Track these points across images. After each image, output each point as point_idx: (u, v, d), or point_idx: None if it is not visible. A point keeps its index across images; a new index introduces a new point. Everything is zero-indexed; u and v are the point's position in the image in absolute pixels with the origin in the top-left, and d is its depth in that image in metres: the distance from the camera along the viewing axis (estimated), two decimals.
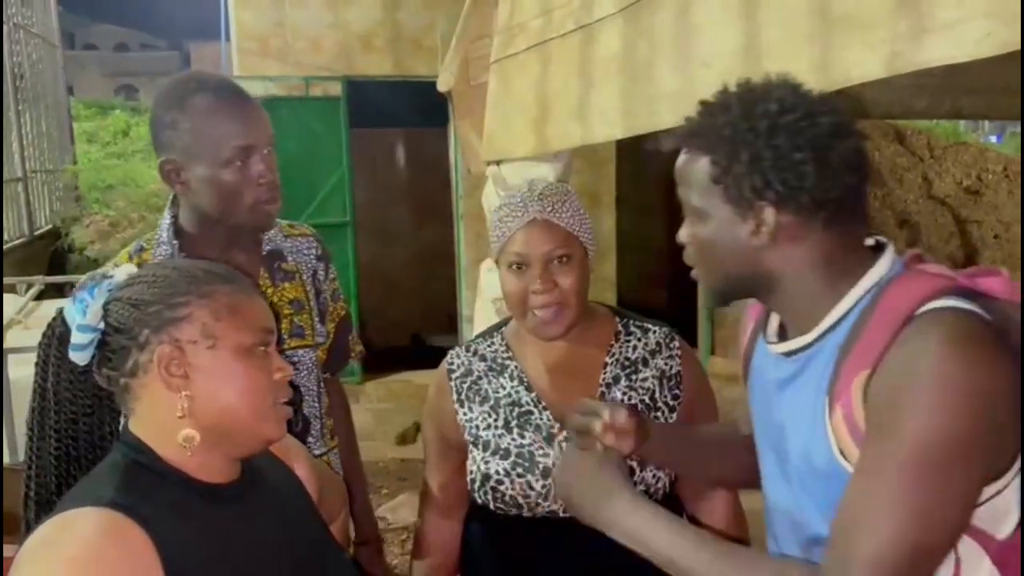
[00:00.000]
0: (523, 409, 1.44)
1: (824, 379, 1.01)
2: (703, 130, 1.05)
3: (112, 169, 10.16)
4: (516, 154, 2.67)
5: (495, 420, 1.45)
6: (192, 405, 0.97)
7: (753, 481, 1.30)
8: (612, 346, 1.48)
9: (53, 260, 8.13)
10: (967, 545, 0.97)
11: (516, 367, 1.47)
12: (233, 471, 1.04)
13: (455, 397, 1.48)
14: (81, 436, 1.04)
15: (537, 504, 1.40)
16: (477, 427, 1.46)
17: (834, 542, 0.95)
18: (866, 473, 0.93)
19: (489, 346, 1.51)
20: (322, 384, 1.70)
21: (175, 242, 1.54)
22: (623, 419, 1.19)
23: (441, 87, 3.16)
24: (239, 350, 0.99)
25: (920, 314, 0.93)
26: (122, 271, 1.05)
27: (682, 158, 1.09)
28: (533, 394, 1.44)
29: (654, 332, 1.51)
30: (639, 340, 1.49)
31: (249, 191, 1.47)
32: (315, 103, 6.14)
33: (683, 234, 1.12)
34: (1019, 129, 13.30)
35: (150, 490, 0.95)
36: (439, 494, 1.54)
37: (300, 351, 1.64)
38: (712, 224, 1.05)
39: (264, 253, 1.64)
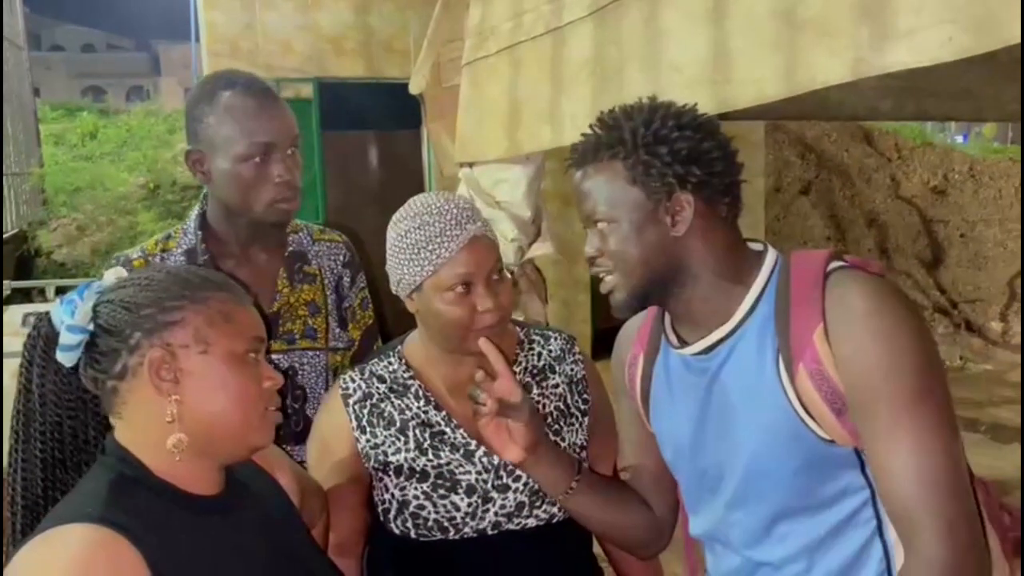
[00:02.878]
0: (435, 429, 1.34)
1: (767, 352, 1.10)
2: (611, 139, 1.12)
3: (79, 172, 10.00)
4: (488, 156, 2.68)
5: (405, 443, 1.34)
6: (181, 410, 0.96)
7: (642, 540, 1.35)
8: (518, 355, 1.41)
9: (19, 264, 8.01)
10: None
11: (419, 386, 1.37)
12: (218, 481, 1.03)
13: (354, 424, 1.36)
14: (67, 438, 1.03)
15: (464, 524, 1.31)
16: (385, 453, 1.34)
17: (907, 519, 1.02)
18: (887, 432, 1.02)
19: (386, 366, 1.40)
20: (327, 388, 1.70)
21: (199, 232, 1.59)
22: (515, 400, 1.19)
23: (413, 90, 3.16)
24: (230, 357, 0.99)
25: (831, 271, 1.08)
26: (111, 274, 1.04)
27: (585, 172, 1.15)
28: (443, 412, 1.35)
29: (555, 339, 1.45)
30: (542, 347, 1.44)
31: (265, 189, 1.51)
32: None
33: (592, 248, 1.16)
34: (983, 130, 13.53)
35: (139, 504, 0.94)
36: (335, 533, 1.38)
37: (310, 352, 1.66)
38: (629, 226, 1.12)
39: (287, 253, 1.67)
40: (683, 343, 1.19)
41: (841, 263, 1.11)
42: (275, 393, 1.04)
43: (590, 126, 1.17)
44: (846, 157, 9.00)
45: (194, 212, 1.63)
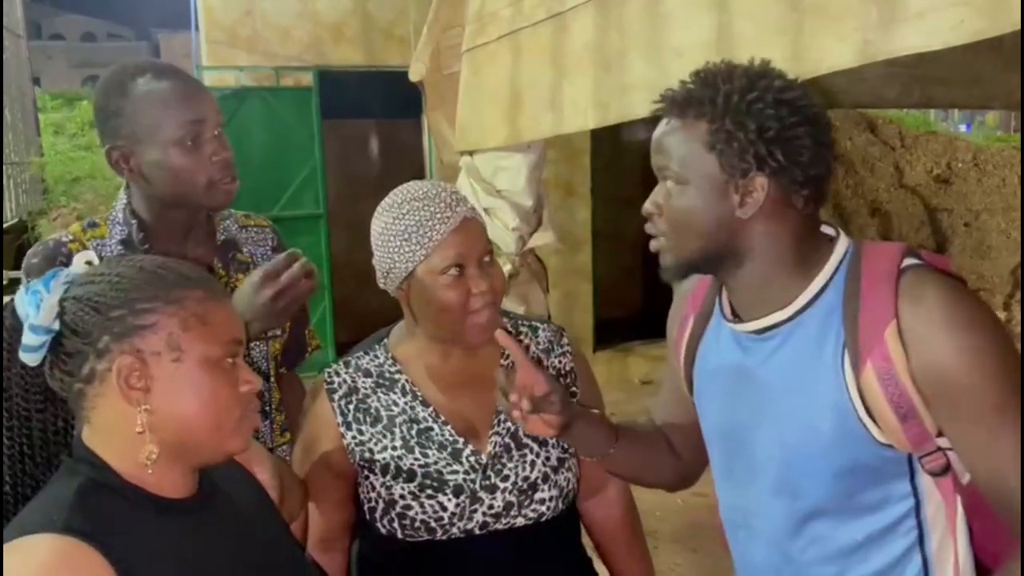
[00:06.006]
0: (422, 426, 1.32)
1: (828, 344, 1.04)
2: (703, 96, 1.04)
3: (79, 161, 9.97)
4: (488, 144, 2.66)
5: (391, 440, 1.31)
6: (152, 419, 0.91)
7: (670, 483, 1.38)
8: (505, 348, 1.36)
9: (19, 254, 7.99)
10: (940, 484, 1.05)
11: (406, 380, 1.34)
12: (191, 483, 0.99)
13: (339, 420, 1.33)
14: (35, 432, 0.99)
15: (452, 524, 1.29)
16: (371, 450, 1.32)
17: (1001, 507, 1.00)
18: (988, 437, 0.98)
19: (372, 359, 1.37)
20: (272, 379, 1.65)
21: (133, 221, 1.50)
22: (542, 390, 1.16)
23: (413, 77, 3.13)
24: (205, 363, 0.93)
25: (905, 268, 1.01)
26: (80, 259, 0.98)
27: (669, 124, 1.07)
28: (430, 408, 1.33)
29: (543, 330, 1.43)
30: (530, 339, 1.41)
31: (202, 171, 1.43)
32: (286, 94, 6.06)
33: (653, 203, 1.10)
34: (986, 118, 13.48)
35: (107, 510, 0.90)
36: (320, 528, 1.37)
37: (250, 343, 1.57)
38: (696, 193, 1.05)
39: (219, 243, 1.60)
40: (736, 317, 1.14)
41: (916, 260, 1.04)
42: (253, 397, 0.99)
43: (690, 75, 1.08)
44: (849, 146, 8.95)
45: (119, 203, 1.53)
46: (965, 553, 1.07)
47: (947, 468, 1.05)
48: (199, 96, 1.46)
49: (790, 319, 1.07)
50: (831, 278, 1.06)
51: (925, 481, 1.06)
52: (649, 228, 1.11)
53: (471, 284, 1.25)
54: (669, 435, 1.36)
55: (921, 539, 1.06)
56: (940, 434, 1.02)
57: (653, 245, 1.12)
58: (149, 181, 1.45)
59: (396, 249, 1.26)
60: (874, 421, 1.02)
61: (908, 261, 1.03)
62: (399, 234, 1.26)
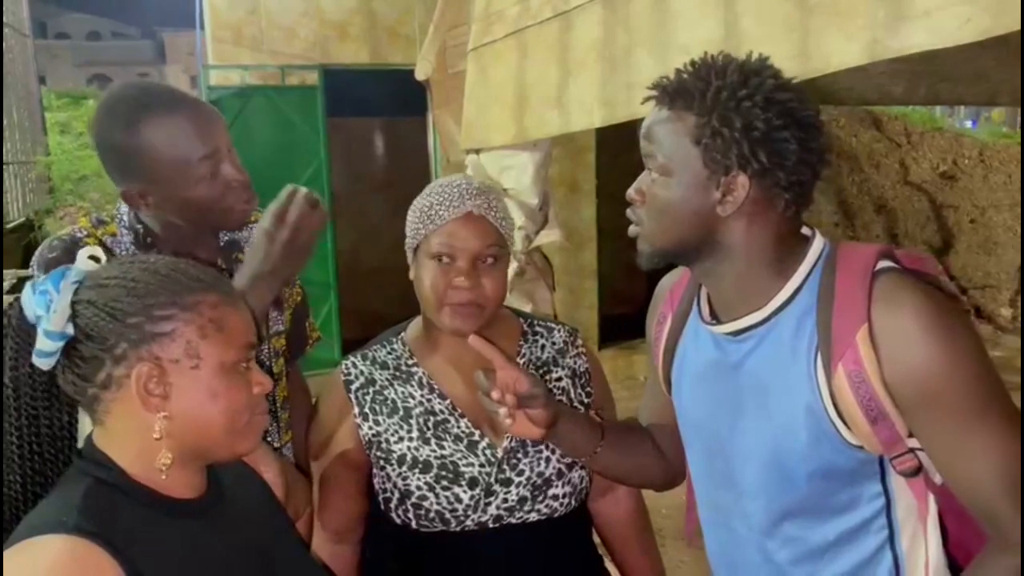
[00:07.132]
0: (438, 418, 1.34)
1: (802, 346, 1.04)
2: (694, 89, 1.03)
3: (85, 160, 9.99)
4: (494, 143, 2.66)
5: (408, 432, 1.33)
6: (170, 425, 0.91)
7: (656, 483, 1.37)
8: (521, 347, 1.40)
9: (26, 253, 8.02)
10: (911, 484, 1.06)
11: (423, 373, 1.36)
12: (200, 484, 1.00)
13: (356, 411, 1.36)
14: (43, 431, 0.99)
15: (466, 516, 1.30)
16: (387, 441, 1.34)
17: (981, 511, 1.00)
18: (961, 441, 0.98)
19: (389, 352, 1.40)
20: (278, 377, 1.64)
21: (138, 227, 1.47)
22: (524, 388, 1.16)
23: (419, 75, 3.14)
24: (221, 368, 0.93)
25: (879, 271, 1.01)
26: (84, 255, 0.97)
27: (660, 113, 1.06)
28: (447, 401, 1.34)
29: (558, 331, 1.45)
30: (545, 339, 1.43)
31: (224, 198, 1.41)
32: (291, 92, 6.07)
33: (636, 190, 1.10)
34: (992, 114, 13.44)
35: (117, 511, 0.90)
36: (333, 520, 1.38)
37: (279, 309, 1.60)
38: (678, 185, 1.04)
39: (221, 245, 1.59)
40: (714, 318, 1.14)
41: (891, 263, 1.03)
42: (263, 398, 1.00)
43: (685, 64, 1.06)
44: (855, 143, 8.94)
45: (123, 207, 1.49)
46: (937, 551, 1.07)
47: (918, 469, 1.05)
48: (211, 124, 1.41)
49: (765, 320, 1.07)
50: (806, 278, 1.06)
51: (896, 481, 1.06)
52: (629, 214, 1.12)
53: (453, 277, 1.27)
54: (654, 435, 1.36)
55: (892, 538, 1.06)
56: (911, 435, 1.03)
57: (631, 231, 1.12)
58: (168, 212, 1.43)
59: (410, 225, 1.34)
60: (845, 423, 1.02)
61: (883, 264, 1.02)
62: (413, 213, 1.33)
